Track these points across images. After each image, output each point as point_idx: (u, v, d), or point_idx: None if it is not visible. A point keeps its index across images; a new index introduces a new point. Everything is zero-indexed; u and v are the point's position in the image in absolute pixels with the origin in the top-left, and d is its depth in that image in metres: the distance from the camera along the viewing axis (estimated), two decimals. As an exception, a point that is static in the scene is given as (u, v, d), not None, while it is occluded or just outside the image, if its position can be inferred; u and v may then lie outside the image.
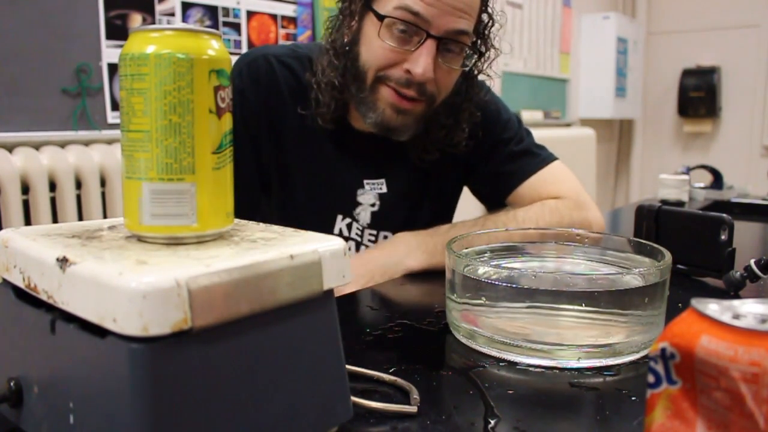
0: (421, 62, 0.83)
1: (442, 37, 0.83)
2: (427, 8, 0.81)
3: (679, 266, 0.85)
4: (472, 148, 1.01)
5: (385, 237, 1.01)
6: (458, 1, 0.82)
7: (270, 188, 1.02)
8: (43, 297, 0.37)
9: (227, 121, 0.40)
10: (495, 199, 1.08)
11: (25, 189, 1.47)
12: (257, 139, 0.96)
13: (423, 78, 0.84)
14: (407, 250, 0.87)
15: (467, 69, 0.92)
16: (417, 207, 1.04)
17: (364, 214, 1.00)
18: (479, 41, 0.91)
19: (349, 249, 0.86)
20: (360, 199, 0.99)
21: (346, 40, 0.90)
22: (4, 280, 0.41)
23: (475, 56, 0.90)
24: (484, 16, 0.90)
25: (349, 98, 0.92)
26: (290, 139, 0.97)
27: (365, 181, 0.99)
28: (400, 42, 0.84)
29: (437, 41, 0.83)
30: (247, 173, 0.97)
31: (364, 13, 0.87)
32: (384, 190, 1.00)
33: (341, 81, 0.90)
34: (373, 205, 1.00)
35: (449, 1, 0.82)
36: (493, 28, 0.92)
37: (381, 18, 0.83)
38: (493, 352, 0.57)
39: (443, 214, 1.10)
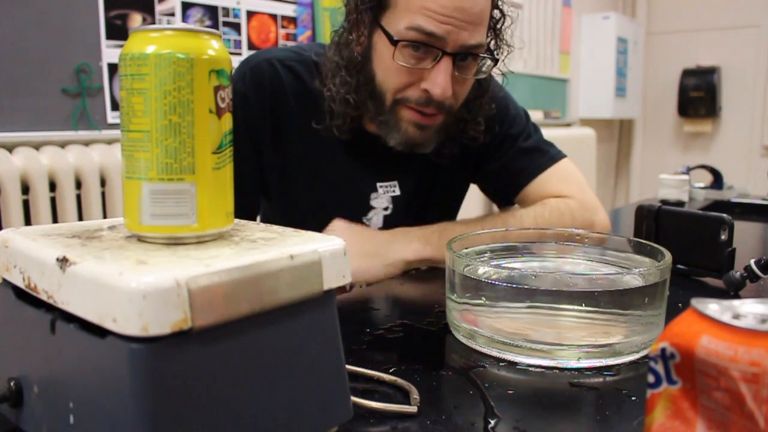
0: (440, 82, 0.82)
1: (457, 53, 0.82)
2: (441, 26, 0.80)
3: (679, 266, 0.85)
4: (480, 144, 1.01)
5: None
6: (470, 14, 0.81)
7: (270, 195, 1.01)
8: (43, 297, 0.37)
9: (227, 121, 0.40)
10: (504, 196, 1.07)
11: (25, 189, 1.47)
12: (260, 145, 0.95)
13: (443, 98, 0.83)
14: (406, 240, 0.87)
15: (482, 77, 0.91)
16: (426, 206, 1.04)
17: (376, 219, 0.99)
18: (492, 40, 0.90)
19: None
20: (373, 203, 0.99)
21: (356, 54, 0.88)
22: (4, 280, 0.41)
23: (490, 62, 0.89)
24: (496, 12, 0.89)
25: (365, 112, 0.91)
26: (295, 145, 0.96)
27: (378, 185, 0.99)
28: (416, 61, 0.83)
29: (452, 57, 0.82)
30: (249, 179, 0.97)
31: (373, 29, 0.86)
32: (397, 192, 0.99)
33: (356, 98, 0.89)
34: (386, 208, 0.99)
35: (462, 16, 0.80)
36: (504, 24, 0.91)
37: (394, 42, 0.82)
38: (493, 352, 0.57)
39: (450, 211, 1.10)
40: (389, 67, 0.84)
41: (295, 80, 0.95)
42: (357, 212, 0.98)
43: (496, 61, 0.90)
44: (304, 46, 1.02)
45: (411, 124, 0.87)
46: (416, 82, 0.84)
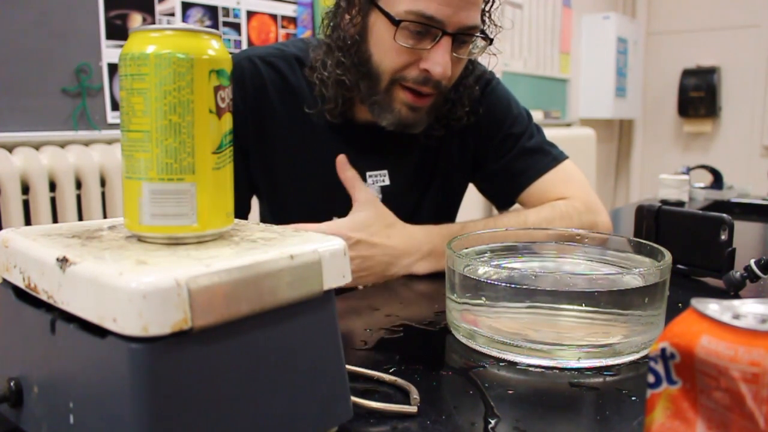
0: (440, 62, 0.83)
1: (456, 33, 0.83)
2: (441, 10, 0.81)
3: (679, 266, 0.85)
4: (480, 142, 1.00)
5: None
6: None
7: (260, 193, 1.01)
8: (43, 297, 0.37)
9: (227, 121, 0.40)
10: (504, 197, 1.07)
11: (25, 189, 1.47)
12: (245, 143, 0.95)
13: (443, 77, 0.84)
14: (417, 256, 0.85)
15: (475, 57, 0.92)
16: (420, 201, 1.03)
17: None
18: (484, 24, 0.91)
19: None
20: None
21: (350, 35, 0.88)
22: (4, 280, 0.41)
23: (484, 43, 0.90)
24: None
25: (357, 95, 0.91)
26: (280, 140, 0.96)
27: (367, 174, 0.98)
28: (415, 42, 0.83)
29: (451, 37, 0.83)
30: (237, 177, 0.96)
31: (368, 9, 0.86)
32: (386, 182, 0.99)
33: (351, 79, 0.89)
34: None
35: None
36: (494, 7, 0.91)
37: (396, 23, 0.82)
38: (493, 352, 0.57)
39: (447, 208, 1.09)
40: (388, 48, 0.85)
41: (276, 76, 0.95)
42: (346, 202, 0.98)
43: (490, 41, 0.90)
44: (285, 42, 1.02)
45: (404, 106, 0.87)
46: (415, 62, 0.85)
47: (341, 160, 0.84)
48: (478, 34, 0.87)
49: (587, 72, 3.82)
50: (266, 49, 0.98)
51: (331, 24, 0.90)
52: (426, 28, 0.82)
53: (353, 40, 0.88)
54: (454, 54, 0.85)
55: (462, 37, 0.85)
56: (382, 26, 0.84)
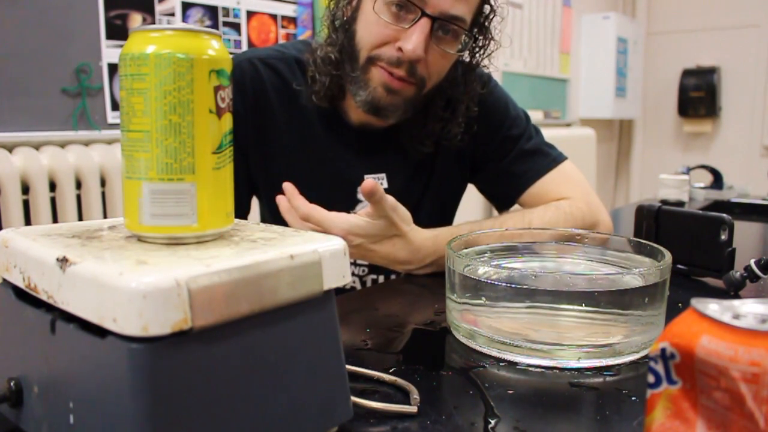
0: (413, 39, 0.83)
1: (437, 18, 0.83)
2: None
3: (679, 266, 0.85)
4: (478, 144, 1.00)
5: None
6: None
7: (259, 195, 1.01)
8: (43, 297, 0.37)
9: (227, 121, 0.40)
10: (504, 199, 1.07)
11: (25, 189, 1.47)
12: (245, 146, 0.95)
13: (413, 54, 0.83)
14: (417, 265, 0.84)
15: (461, 55, 0.92)
16: (419, 202, 1.03)
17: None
18: (477, 31, 0.91)
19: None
20: (360, 196, 0.98)
21: (345, 15, 0.90)
22: (4, 280, 0.41)
23: (471, 43, 0.90)
24: (486, 7, 0.90)
25: (344, 76, 0.92)
26: (279, 143, 0.96)
27: (365, 177, 0.98)
28: (395, 18, 0.84)
29: (432, 21, 0.83)
30: (236, 179, 0.96)
31: None
32: (385, 185, 0.99)
33: (338, 57, 0.90)
34: None
35: None
36: (493, 20, 0.92)
37: None
38: (493, 352, 0.57)
39: (445, 210, 1.09)
40: (369, 22, 0.86)
41: (276, 78, 0.95)
42: (344, 206, 0.97)
43: (476, 40, 0.90)
44: (286, 44, 1.02)
45: (380, 85, 0.87)
46: (392, 41, 0.85)
47: (369, 186, 0.77)
48: (465, 31, 0.87)
49: (587, 72, 3.82)
50: (266, 50, 0.98)
51: (332, 9, 0.92)
52: (407, 6, 0.83)
53: (346, 19, 0.89)
54: (438, 46, 0.85)
55: (445, 26, 0.85)
56: (368, 3, 0.86)
